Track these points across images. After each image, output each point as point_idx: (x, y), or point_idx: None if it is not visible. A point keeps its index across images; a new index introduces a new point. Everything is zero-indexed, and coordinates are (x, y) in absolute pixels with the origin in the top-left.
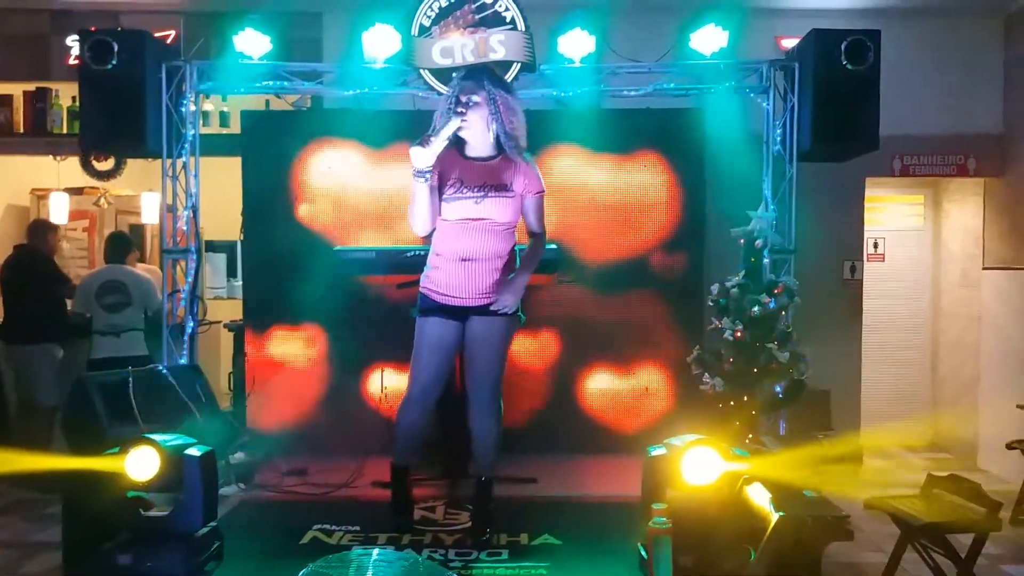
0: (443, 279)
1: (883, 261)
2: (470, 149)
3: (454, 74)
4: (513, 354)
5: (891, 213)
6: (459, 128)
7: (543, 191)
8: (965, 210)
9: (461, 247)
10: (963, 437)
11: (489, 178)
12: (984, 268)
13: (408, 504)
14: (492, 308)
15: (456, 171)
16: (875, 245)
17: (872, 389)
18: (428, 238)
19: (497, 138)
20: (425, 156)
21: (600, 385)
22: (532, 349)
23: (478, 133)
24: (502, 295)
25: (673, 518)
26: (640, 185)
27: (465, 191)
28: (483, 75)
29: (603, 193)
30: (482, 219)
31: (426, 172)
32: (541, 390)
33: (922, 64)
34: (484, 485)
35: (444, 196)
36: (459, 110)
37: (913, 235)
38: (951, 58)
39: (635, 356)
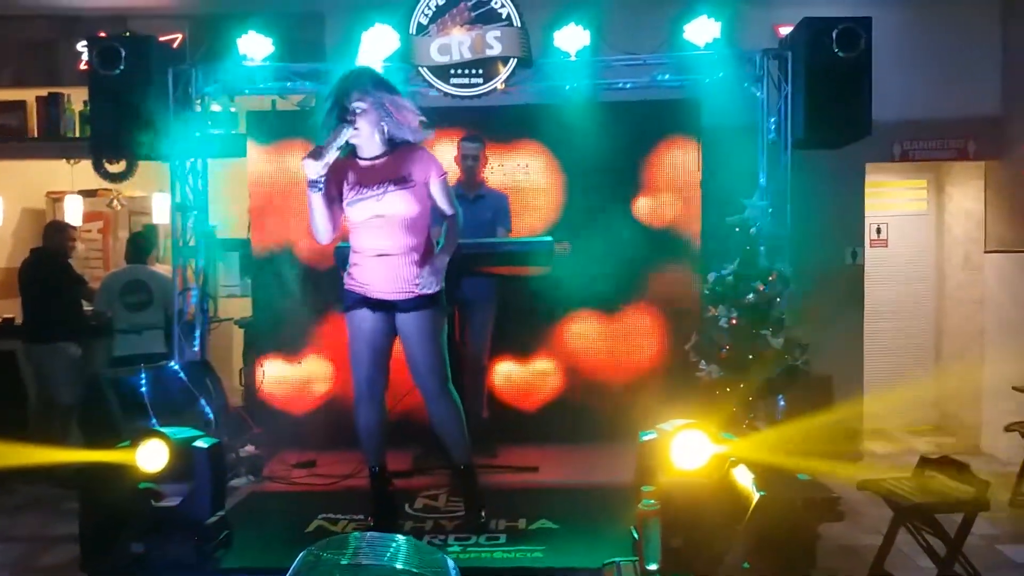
0: (363, 275)
1: (886, 246)
2: (362, 151)
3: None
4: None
5: (894, 198)
6: (351, 136)
7: (444, 173)
8: (967, 194)
9: (374, 243)
10: (966, 420)
11: (387, 174)
12: (986, 251)
13: (391, 507)
14: (417, 289)
15: (353, 175)
16: (878, 230)
17: (875, 374)
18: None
19: (389, 137)
20: (317, 167)
21: (598, 375)
22: (530, 342)
23: (368, 136)
24: (423, 276)
25: (663, 501)
26: (636, 175)
27: (365, 191)
28: (366, 80)
29: (599, 184)
30: (389, 214)
31: (319, 182)
32: (542, 382)
33: (920, 48)
34: (465, 473)
35: (346, 201)
36: (348, 119)
37: (916, 220)
38: (948, 41)
39: (634, 344)
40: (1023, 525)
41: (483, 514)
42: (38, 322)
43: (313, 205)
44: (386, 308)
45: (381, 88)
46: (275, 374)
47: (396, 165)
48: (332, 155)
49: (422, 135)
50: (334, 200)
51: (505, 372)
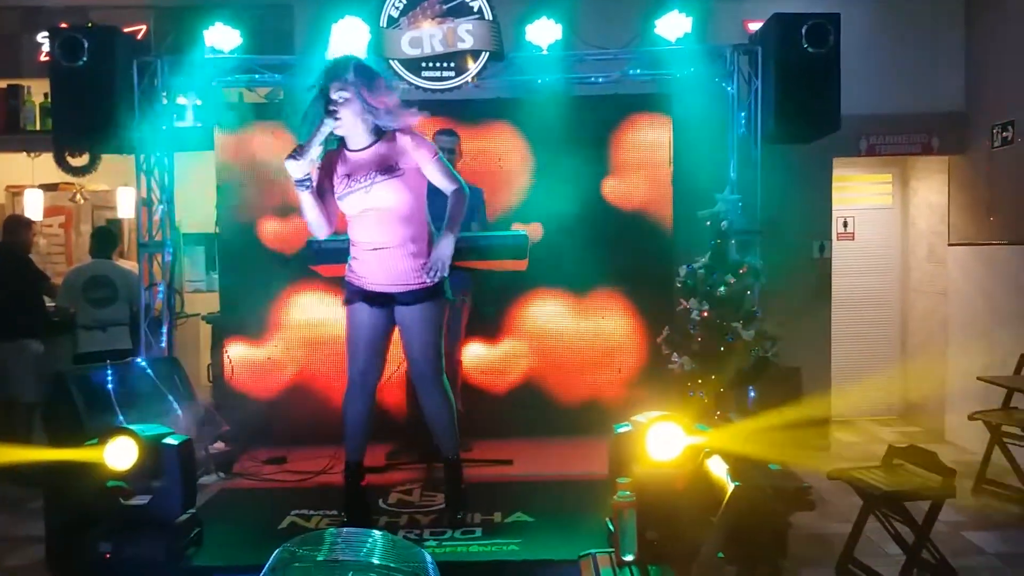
0: (362, 269)
1: (853, 239)
2: (350, 142)
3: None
4: (485, 346)
5: (861, 192)
6: (334, 127)
7: (436, 151)
8: (931, 188)
9: (369, 237)
10: (931, 409)
11: (373, 165)
12: (950, 244)
13: (365, 502)
14: (427, 273)
15: (341, 168)
16: (845, 224)
17: (842, 365)
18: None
19: (374, 125)
20: (302, 166)
21: (572, 368)
22: (505, 335)
23: (352, 126)
24: (430, 267)
25: (638, 492)
26: (609, 170)
27: (353, 184)
28: (346, 69)
29: (571, 179)
30: (379, 207)
31: (306, 180)
32: (516, 376)
33: (885, 44)
34: (452, 465)
35: (337, 195)
36: (331, 109)
37: (882, 213)
38: (913, 38)
39: (607, 338)
40: (987, 512)
41: (461, 513)
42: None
43: (304, 204)
44: (385, 301)
45: (361, 76)
46: (244, 369)
47: (383, 154)
48: (315, 151)
49: (403, 120)
50: (327, 193)
51: (478, 366)
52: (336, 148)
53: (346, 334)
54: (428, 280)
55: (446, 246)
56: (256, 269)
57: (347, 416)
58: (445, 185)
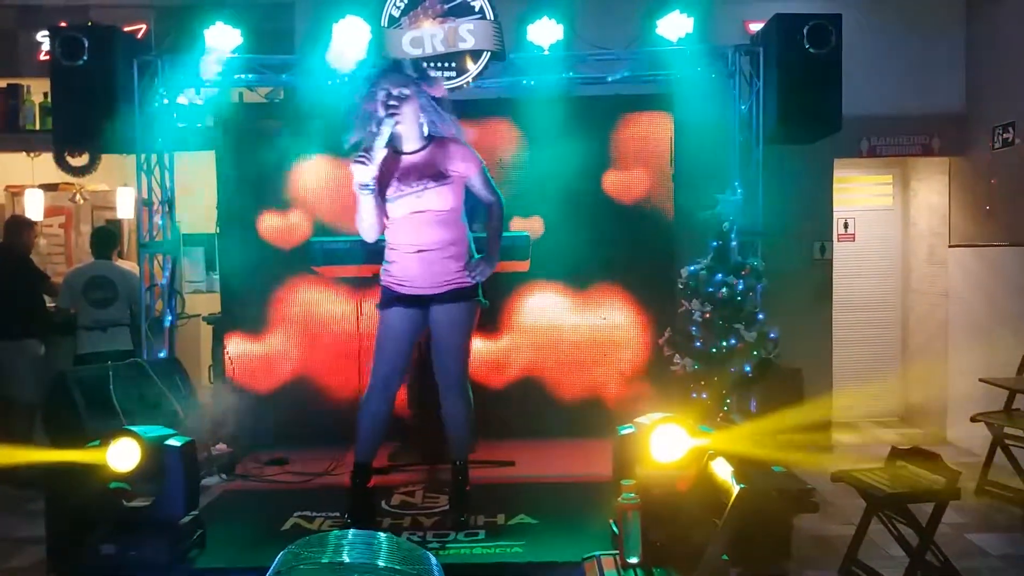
0: (401, 271)
1: (853, 240)
2: (403, 143)
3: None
4: (489, 346)
5: (861, 193)
6: (395, 125)
7: (481, 163)
8: (932, 189)
9: (413, 239)
10: (932, 411)
11: (426, 170)
12: (950, 246)
13: (370, 504)
14: (468, 275)
15: (394, 171)
16: (845, 225)
17: (843, 366)
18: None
19: (426, 128)
20: (370, 171)
21: (574, 369)
22: (507, 337)
23: (411, 125)
24: (479, 266)
25: (642, 494)
26: (610, 170)
27: (405, 189)
28: (407, 67)
29: (573, 179)
30: (427, 210)
31: (369, 184)
32: (517, 378)
33: (886, 45)
34: (460, 469)
35: (387, 198)
36: (391, 105)
37: (883, 214)
38: (914, 39)
39: (609, 340)
40: (990, 514)
41: (465, 515)
42: (4, 318)
43: (364, 207)
44: (421, 303)
45: (423, 76)
46: (246, 370)
47: (435, 160)
48: (380, 155)
49: (453, 127)
50: (376, 196)
51: (480, 368)
52: (385, 149)
53: (377, 337)
54: (468, 280)
55: (494, 253)
56: (257, 270)
57: (363, 417)
58: (485, 196)
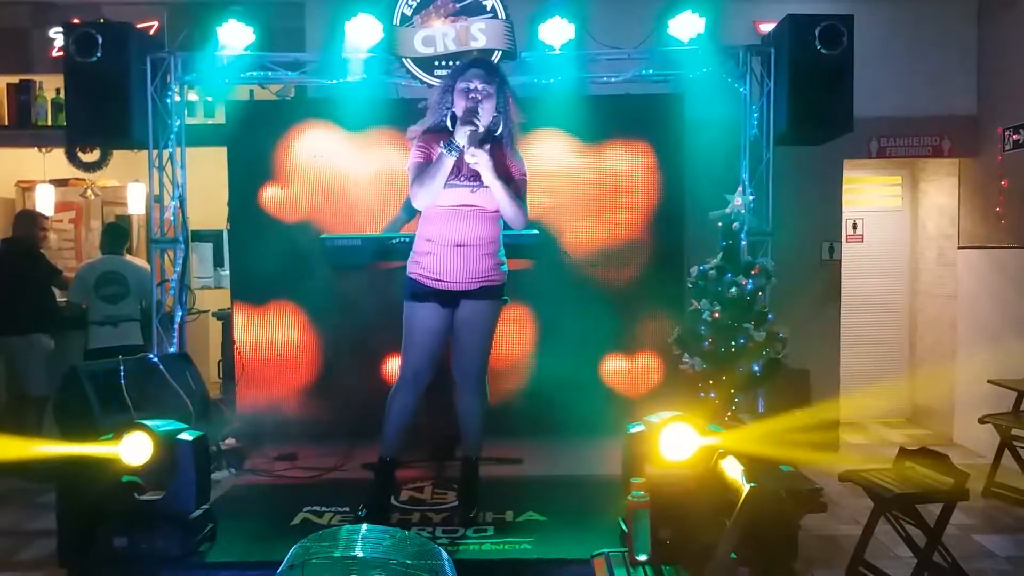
0: (436, 265)
1: (862, 242)
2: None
3: (458, 63)
4: (498, 340)
5: (870, 194)
6: (480, 115)
7: (524, 172)
8: (941, 190)
9: (455, 233)
10: (940, 412)
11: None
12: (959, 247)
13: (386, 502)
14: (487, 279)
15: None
16: (854, 226)
17: (851, 367)
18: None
19: (489, 129)
20: (472, 135)
21: (583, 368)
22: (515, 334)
23: (485, 120)
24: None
25: (651, 492)
26: (620, 170)
27: (463, 179)
28: (492, 67)
29: (584, 178)
30: (478, 206)
31: (458, 147)
32: (526, 375)
33: (897, 46)
34: (471, 465)
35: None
36: (472, 97)
37: (891, 216)
38: (925, 40)
39: (617, 338)
40: (998, 515)
41: (474, 512)
42: (7, 313)
43: (443, 168)
44: (451, 299)
45: (505, 80)
46: (255, 365)
47: (495, 160)
48: (482, 125)
49: (515, 144)
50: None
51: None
52: (447, 136)
53: (406, 330)
54: (498, 278)
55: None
56: (267, 265)
57: (391, 411)
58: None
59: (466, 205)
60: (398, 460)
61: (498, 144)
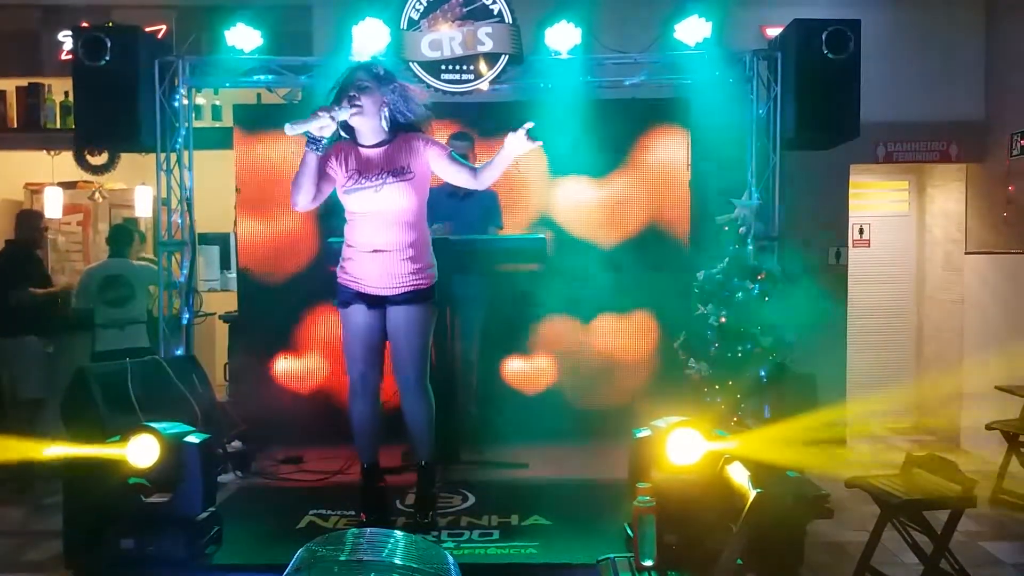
0: (357, 270)
1: (868, 246)
2: (363, 137)
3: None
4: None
5: (877, 199)
6: (353, 113)
7: (448, 149)
8: (948, 195)
9: (371, 239)
10: (946, 418)
11: (385, 164)
12: (967, 253)
13: (383, 503)
14: (411, 283)
15: (352, 162)
16: (860, 231)
17: (858, 373)
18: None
19: (392, 122)
20: (329, 126)
21: (589, 371)
22: (523, 338)
23: (371, 116)
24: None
25: (657, 497)
26: (627, 174)
27: (363, 181)
28: (374, 64)
29: (591, 183)
30: (386, 209)
31: (319, 141)
32: (532, 379)
33: (905, 51)
34: (425, 470)
35: (344, 188)
36: (352, 95)
37: (898, 221)
38: (933, 45)
39: (624, 342)
40: (1005, 522)
41: (432, 515)
42: (3, 315)
43: (307, 166)
44: (379, 302)
45: (389, 73)
46: (262, 369)
47: (395, 155)
48: (344, 115)
49: (426, 115)
50: (327, 177)
51: (495, 369)
52: (347, 141)
53: (343, 337)
54: (425, 282)
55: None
56: (274, 268)
57: (353, 419)
58: (462, 171)
59: (375, 210)
60: (378, 465)
61: (405, 138)
